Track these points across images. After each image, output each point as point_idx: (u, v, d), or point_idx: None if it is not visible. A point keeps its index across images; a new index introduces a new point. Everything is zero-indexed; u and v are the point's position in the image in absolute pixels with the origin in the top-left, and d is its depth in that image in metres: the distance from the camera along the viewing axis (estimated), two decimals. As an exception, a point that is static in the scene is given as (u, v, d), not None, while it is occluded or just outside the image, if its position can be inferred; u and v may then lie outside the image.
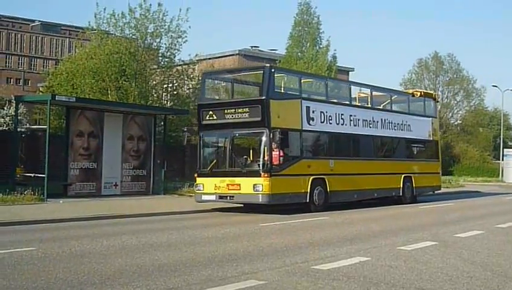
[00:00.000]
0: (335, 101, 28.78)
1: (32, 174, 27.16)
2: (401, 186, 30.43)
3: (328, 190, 25.33)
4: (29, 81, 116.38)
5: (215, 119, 24.50)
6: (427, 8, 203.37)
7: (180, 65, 44.96)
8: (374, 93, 30.78)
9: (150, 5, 41.21)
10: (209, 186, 24.14)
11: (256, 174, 23.03)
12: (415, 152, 34.00)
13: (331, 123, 26.44)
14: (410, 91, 34.98)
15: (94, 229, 17.90)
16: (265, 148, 23.04)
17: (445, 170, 58.03)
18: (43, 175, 25.85)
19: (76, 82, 43.12)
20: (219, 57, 58.80)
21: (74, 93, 41.30)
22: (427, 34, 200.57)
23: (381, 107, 31.22)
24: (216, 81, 28.34)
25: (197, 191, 24.73)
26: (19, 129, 32.80)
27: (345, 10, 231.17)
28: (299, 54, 52.30)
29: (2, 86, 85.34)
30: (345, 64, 67.82)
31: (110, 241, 14.99)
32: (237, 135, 24.56)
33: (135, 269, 11.06)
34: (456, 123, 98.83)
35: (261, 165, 23.18)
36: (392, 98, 32.34)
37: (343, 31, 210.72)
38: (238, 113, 23.84)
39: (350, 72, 76.75)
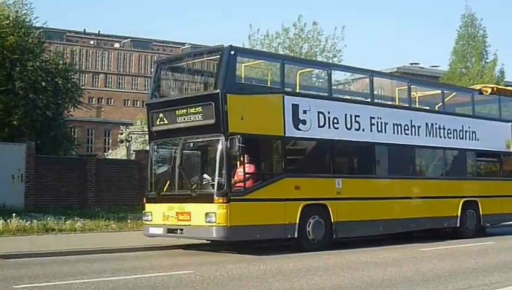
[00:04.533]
0: (345, 97, 23.19)
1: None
2: (459, 214, 23.56)
3: (333, 220, 19.29)
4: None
5: (166, 124, 18.99)
6: None
7: (335, 85, 45.16)
8: (418, 90, 25.33)
9: (305, 24, 41.60)
10: (157, 215, 18.72)
11: (209, 198, 17.33)
12: (484, 168, 26.84)
13: (336, 128, 20.16)
14: (478, 87, 27.70)
15: (251, 253, 18.01)
16: (223, 162, 17.36)
17: None
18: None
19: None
20: (377, 76, 58.46)
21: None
22: None
23: (427, 108, 25.29)
24: (172, 73, 21.49)
25: (145, 222, 19.41)
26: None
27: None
28: (463, 69, 51.33)
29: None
30: (512, 80, 66.38)
31: (267, 265, 15.33)
32: (190, 144, 19.06)
33: None
34: None
35: (215, 187, 17.40)
36: (448, 96, 25.36)
37: (510, 42, 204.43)
38: (190, 114, 18.22)
39: (519, 88, 74.97)
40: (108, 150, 75.82)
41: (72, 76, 36.22)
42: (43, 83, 32.12)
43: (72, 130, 44.97)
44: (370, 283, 12.56)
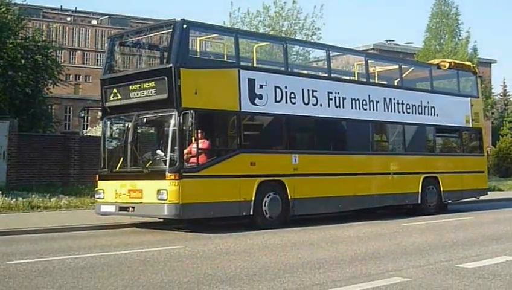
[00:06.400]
0: (303, 72, 23.24)
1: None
2: (420, 190, 23.32)
3: (290, 197, 18.97)
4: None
5: (119, 99, 18.40)
6: None
7: (314, 62, 45.32)
8: (377, 65, 24.88)
9: (285, 2, 41.70)
10: (109, 193, 18.13)
11: (160, 175, 16.85)
12: (444, 144, 26.59)
13: (294, 103, 19.75)
14: (436, 61, 27.13)
15: (237, 229, 17.92)
16: (175, 138, 16.91)
17: None
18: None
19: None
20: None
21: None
22: None
23: (385, 83, 24.55)
24: (125, 47, 20.77)
25: (97, 200, 18.74)
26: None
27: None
28: (437, 46, 51.81)
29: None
30: (486, 56, 66.93)
31: (253, 240, 15.56)
32: (143, 120, 18.39)
33: (280, 266, 11.57)
34: None
35: (167, 163, 17.02)
36: (406, 71, 25.01)
37: (483, 20, 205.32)
38: (143, 89, 17.72)
39: (492, 64, 75.54)
40: (86, 127, 75.27)
41: (52, 53, 35.95)
42: (23, 61, 31.81)
43: (50, 107, 44.68)
44: (354, 257, 12.82)
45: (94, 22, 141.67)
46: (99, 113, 60.20)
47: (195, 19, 17.99)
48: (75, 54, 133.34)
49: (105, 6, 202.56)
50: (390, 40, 73.17)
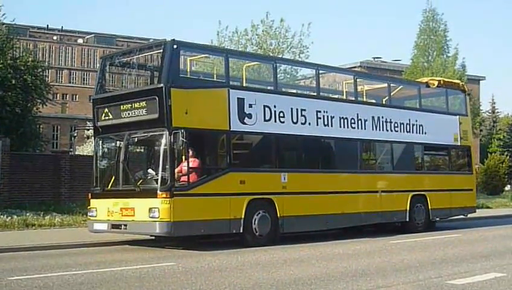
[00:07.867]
0: (292, 91, 23.59)
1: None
2: (408, 208, 23.51)
3: (279, 214, 19.25)
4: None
5: (110, 119, 18.72)
6: None
7: (301, 80, 45.59)
8: (366, 83, 24.96)
9: (272, 21, 42.02)
10: (102, 211, 18.49)
11: (152, 193, 17.19)
12: (433, 162, 26.77)
13: (282, 122, 19.95)
14: (425, 80, 27.48)
15: (227, 247, 18.26)
16: (166, 157, 17.21)
17: None
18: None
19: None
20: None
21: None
22: None
23: (373, 101, 24.89)
24: (117, 68, 21.07)
25: (90, 218, 19.15)
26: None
27: (473, 15, 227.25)
28: (425, 63, 52.04)
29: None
30: (475, 73, 67.60)
31: (244, 258, 15.90)
32: (134, 139, 18.73)
33: (272, 282, 11.85)
34: None
35: (159, 181, 17.36)
36: (395, 89, 25.06)
37: (471, 37, 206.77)
38: (134, 109, 17.99)
39: (481, 81, 76.15)
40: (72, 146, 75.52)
41: (41, 73, 36.11)
42: (13, 81, 32.03)
43: (39, 126, 44.89)
44: (345, 273, 13.11)
45: (80, 40, 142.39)
46: (86, 132, 59.64)
47: (181, 37, 18.38)
48: (61, 73, 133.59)
49: (91, 26, 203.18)
50: (377, 58, 73.67)
